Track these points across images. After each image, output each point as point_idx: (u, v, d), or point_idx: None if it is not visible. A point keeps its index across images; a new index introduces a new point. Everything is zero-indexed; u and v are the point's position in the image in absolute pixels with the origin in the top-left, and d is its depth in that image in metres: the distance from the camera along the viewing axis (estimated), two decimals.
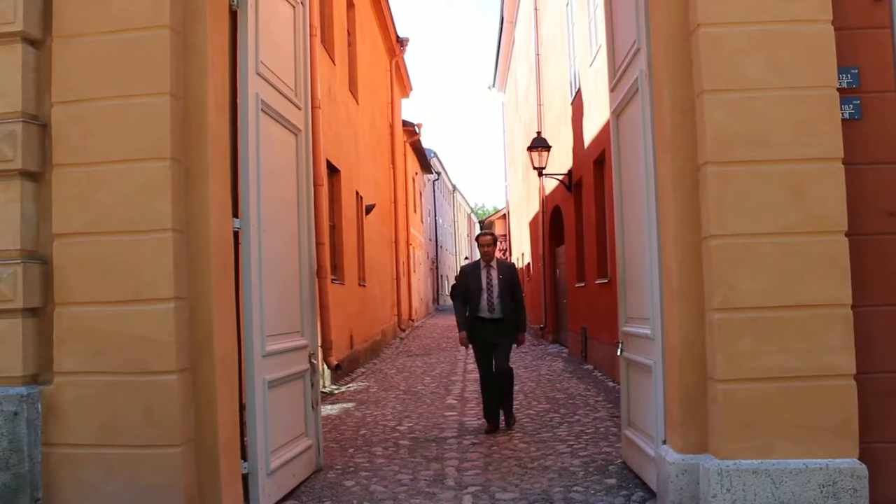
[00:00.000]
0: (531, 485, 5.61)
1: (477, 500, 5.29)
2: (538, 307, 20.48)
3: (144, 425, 4.33)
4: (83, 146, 4.49)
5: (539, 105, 19.08)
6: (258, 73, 5.18)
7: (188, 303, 4.46)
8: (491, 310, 7.79)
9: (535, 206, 20.84)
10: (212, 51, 4.66)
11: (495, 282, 7.82)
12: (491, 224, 49.93)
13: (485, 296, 7.80)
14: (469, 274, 8.04)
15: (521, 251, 27.31)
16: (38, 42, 4.64)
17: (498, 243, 7.98)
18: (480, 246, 7.99)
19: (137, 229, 4.37)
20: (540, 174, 16.29)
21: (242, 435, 4.94)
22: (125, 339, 4.35)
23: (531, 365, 13.91)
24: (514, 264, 8.91)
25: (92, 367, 4.39)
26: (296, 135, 6.06)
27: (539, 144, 15.82)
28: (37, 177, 4.56)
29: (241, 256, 4.95)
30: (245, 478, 4.88)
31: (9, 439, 4.38)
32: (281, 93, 5.68)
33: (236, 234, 4.92)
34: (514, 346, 8.04)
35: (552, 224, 18.35)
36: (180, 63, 4.54)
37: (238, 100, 5.01)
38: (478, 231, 66.49)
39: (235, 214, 4.93)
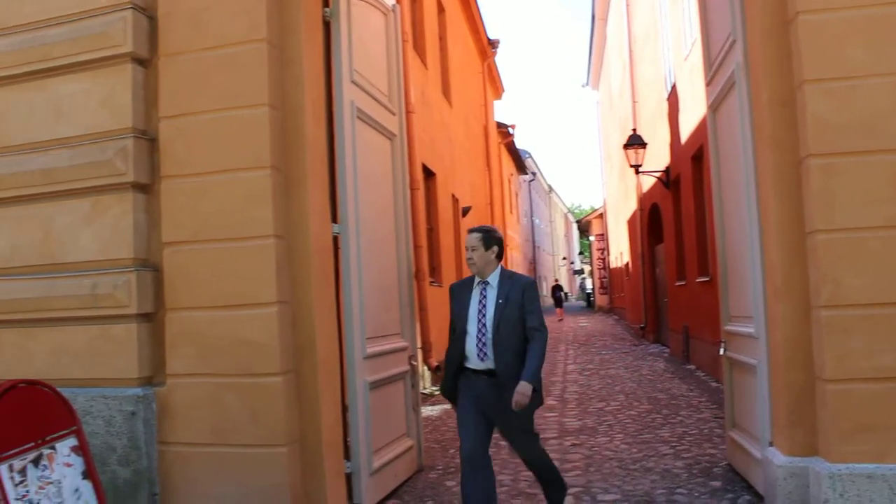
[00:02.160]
0: (633, 486, 5.54)
1: (578, 502, 5.26)
2: (638, 307, 20.15)
3: (251, 426, 4.49)
4: (188, 158, 4.69)
5: (633, 102, 18.79)
6: (353, 81, 5.29)
7: (290, 307, 4.59)
8: (481, 356, 4.46)
9: (632, 205, 20.53)
10: (307, 61, 4.79)
11: (490, 310, 4.49)
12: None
13: (472, 332, 4.51)
14: (456, 296, 4.73)
15: (620, 250, 26.95)
16: (145, 61, 4.88)
17: (501, 245, 4.66)
18: (467, 250, 4.64)
19: (240, 236, 4.53)
20: (636, 172, 16.04)
21: (345, 435, 5.05)
22: (231, 343, 4.52)
23: (632, 365, 13.71)
24: (531, 280, 4.74)
25: (201, 370, 4.59)
26: (391, 140, 6.16)
27: (635, 142, 15.58)
28: (147, 188, 4.80)
29: (340, 261, 5.06)
30: (348, 477, 4.99)
31: (128, 437, 4.62)
32: (375, 99, 5.78)
33: (335, 239, 5.04)
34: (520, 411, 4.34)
35: (650, 222, 18.03)
36: (278, 74, 4.68)
37: (334, 108, 5.12)
38: (576, 231, 64.75)
39: (334, 220, 5.04)
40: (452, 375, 4.58)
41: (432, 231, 13.00)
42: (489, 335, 4.45)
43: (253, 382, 4.48)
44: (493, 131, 24.74)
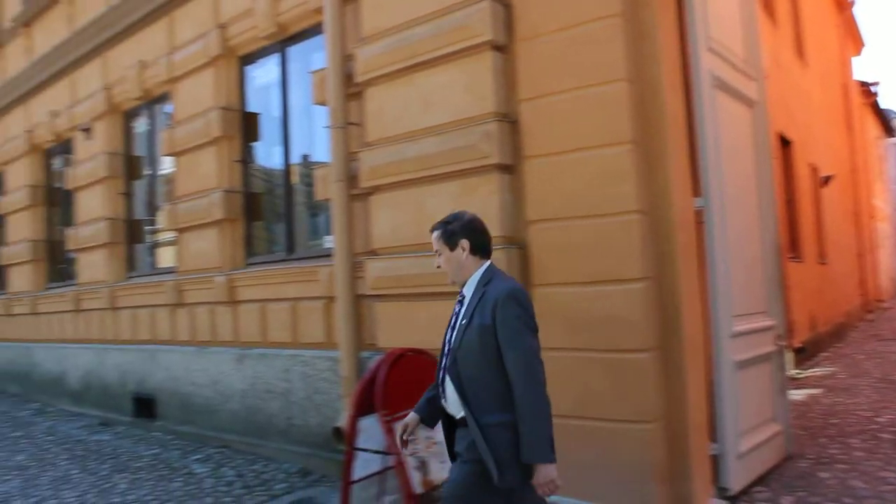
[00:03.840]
0: None
1: None
2: None
3: (615, 401, 4.50)
4: (548, 138, 4.81)
5: None
6: (709, 49, 5.05)
7: (655, 283, 4.51)
8: (443, 394, 3.32)
9: None
10: (662, 33, 4.67)
11: (455, 332, 3.26)
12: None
13: (441, 361, 3.35)
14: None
15: None
16: (503, 48, 5.08)
17: (476, 234, 3.30)
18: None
19: (602, 213, 4.54)
20: None
21: (710, 416, 4.87)
22: (597, 318, 4.55)
23: None
24: (510, 289, 3.12)
25: (567, 344, 4.68)
26: (750, 107, 5.81)
27: None
28: (511, 169, 5.00)
29: (704, 235, 4.87)
30: (713, 459, 4.81)
31: None
32: (733, 65, 5.49)
33: (697, 214, 4.86)
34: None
35: None
36: (633, 48, 4.61)
37: (691, 78, 4.93)
38: None
39: (696, 193, 4.87)
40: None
41: (790, 203, 12.13)
42: (445, 367, 3.25)
43: (618, 358, 4.48)
44: (854, 91, 22.42)
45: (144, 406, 8.71)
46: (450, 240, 3.28)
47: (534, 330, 3.13)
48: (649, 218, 4.52)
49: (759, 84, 6.02)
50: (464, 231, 3.27)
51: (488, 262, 3.31)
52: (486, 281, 3.22)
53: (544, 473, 2.98)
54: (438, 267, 3.35)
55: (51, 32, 10.72)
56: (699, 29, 4.95)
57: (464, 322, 3.18)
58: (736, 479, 4.88)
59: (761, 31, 10.13)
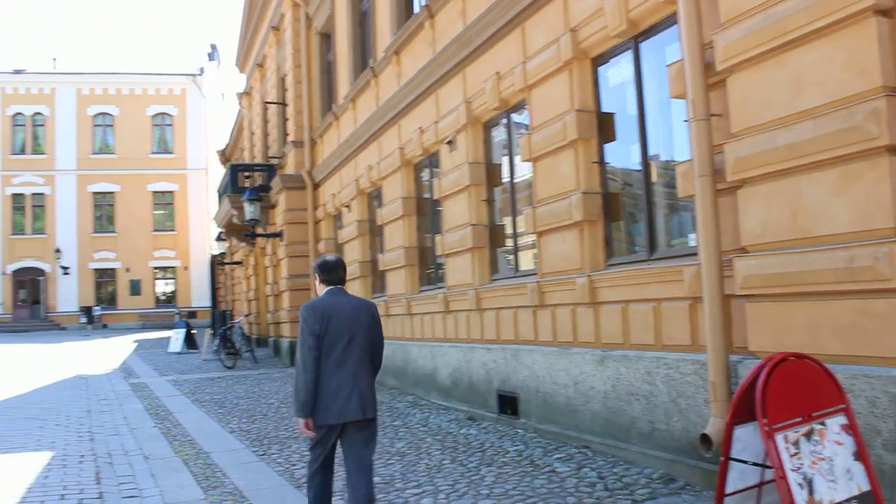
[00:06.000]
0: None
1: None
2: None
3: None
4: None
5: None
6: None
7: None
8: None
9: None
10: None
11: None
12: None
13: None
14: None
15: None
16: (888, 11, 4.47)
17: (321, 270, 4.94)
18: None
19: None
20: None
21: None
22: None
23: None
24: (301, 307, 4.84)
25: None
26: None
27: None
28: None
29: None
30: None
31: (895, 421, 4.30)
32: None
33: None
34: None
35: None
36: None
37: None
38: None
39: None
40: None
41: None
42: None
43: None
44: None
45: (508, 403, 9.07)
46: (313, 273, 5.02)
47: (310, 334, 4.59)
48: None
49: None
50: (316, 267, 4.93)
51: (329, 287, 4.84)
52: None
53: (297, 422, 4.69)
54: None
55: (416, 57, 11.68)
56: None
57: None
58: None
59: None
